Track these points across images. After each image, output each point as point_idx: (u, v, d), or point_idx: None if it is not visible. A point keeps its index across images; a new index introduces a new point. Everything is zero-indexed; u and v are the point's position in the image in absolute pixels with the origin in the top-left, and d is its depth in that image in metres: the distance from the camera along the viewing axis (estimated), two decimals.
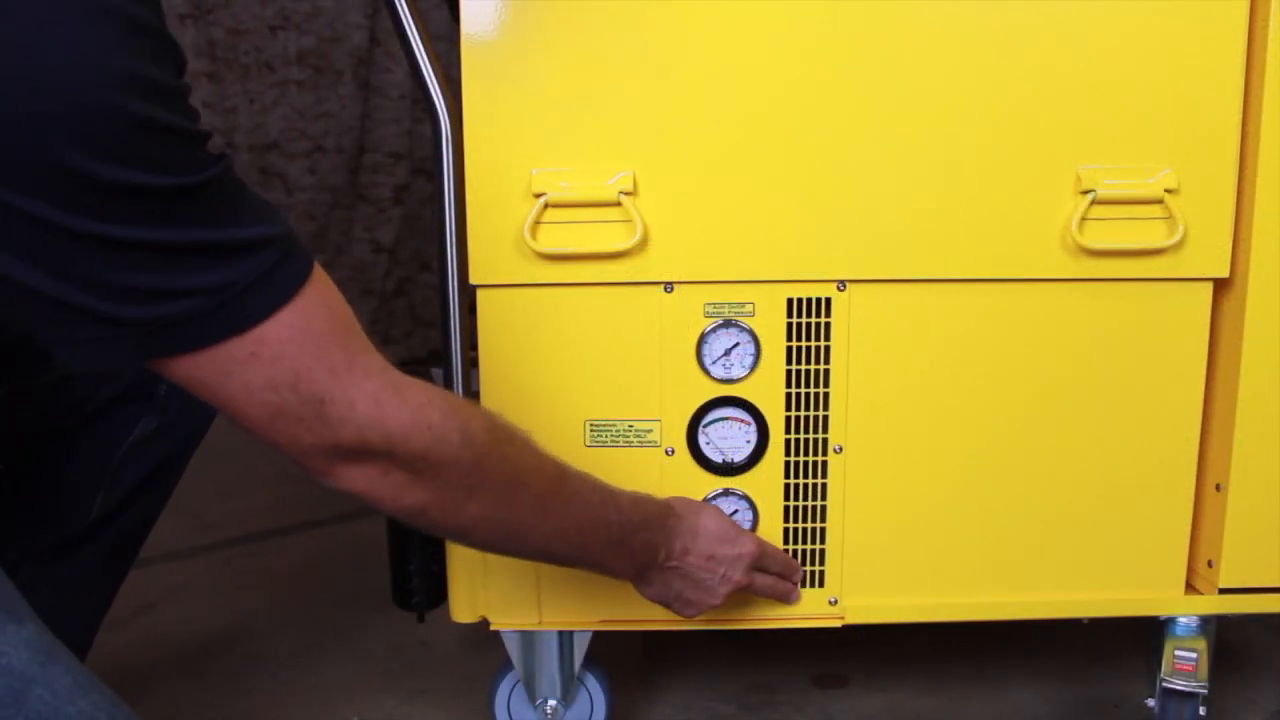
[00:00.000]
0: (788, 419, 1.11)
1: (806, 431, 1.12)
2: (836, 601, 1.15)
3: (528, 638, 1.17)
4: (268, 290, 0.74)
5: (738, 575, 1.06)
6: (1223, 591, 1.14)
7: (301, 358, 0.76)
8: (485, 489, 0.86)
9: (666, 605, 1.07)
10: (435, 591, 1.18)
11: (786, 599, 1.13)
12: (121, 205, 0.68)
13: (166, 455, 1.22)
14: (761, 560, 1.09)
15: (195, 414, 1.23)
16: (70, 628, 1.17)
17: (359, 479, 0.81)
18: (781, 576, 1.12)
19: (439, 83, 1.05)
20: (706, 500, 1.12)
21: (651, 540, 1.01)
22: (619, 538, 0.98)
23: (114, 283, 0.69)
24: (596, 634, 1.17)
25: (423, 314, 3.29)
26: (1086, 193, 1.06)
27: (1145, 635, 1.21)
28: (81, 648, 1.19)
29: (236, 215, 0.74)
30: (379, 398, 0.78)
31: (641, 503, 1.01)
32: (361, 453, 0.79)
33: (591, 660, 1.19)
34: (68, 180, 0.66)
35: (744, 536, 1.07)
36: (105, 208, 0.67)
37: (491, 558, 1.12)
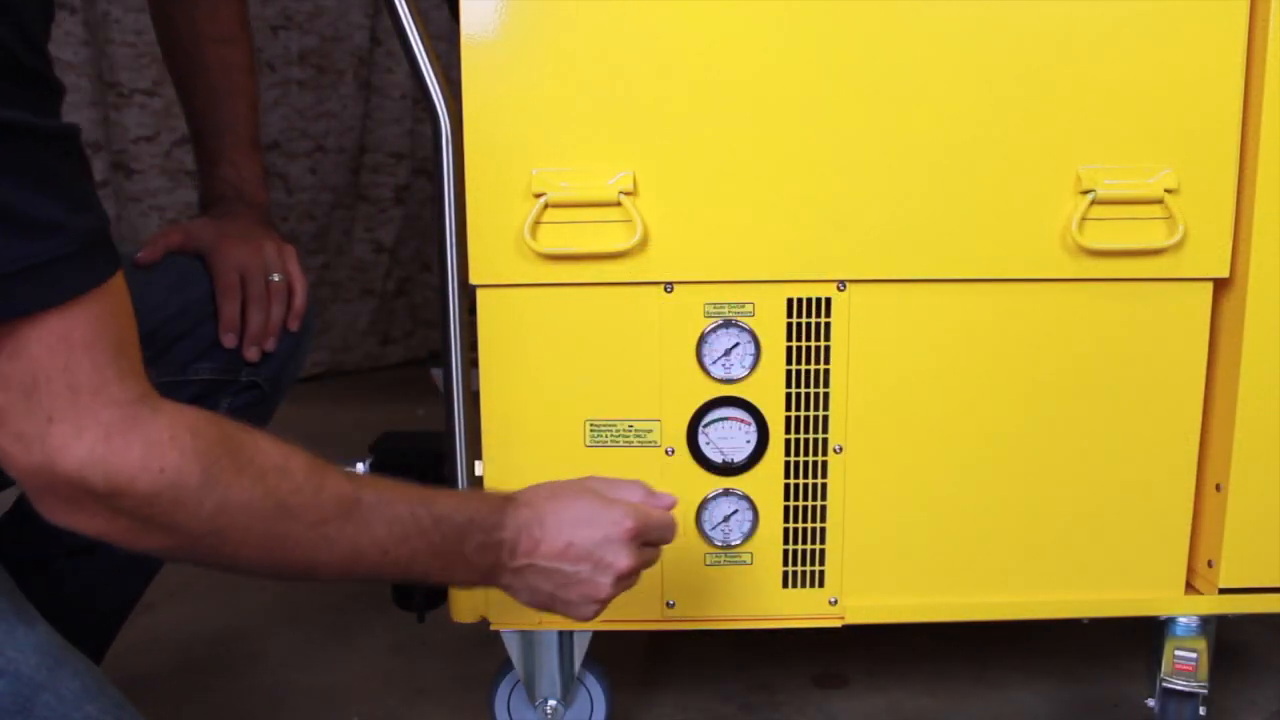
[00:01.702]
0: (788, 419, 1.11)
1: (806, 431, 1.12)
2: (836, 601, 1.15)
3: (528, 638, 1.17)
4: (39, 284, 0.67)
5: (620, 561, 0.90)
6: (1223, 591, 1.13)
7: (46, 364, 0.68)
8: (237, 530, 0.76)
9: (550, 610, 0.93)
10: (435, 592, 1.18)
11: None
12: None
13: None
14: (647, 532, 0.93)
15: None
16: (95, 619, 1.18)
17: (82, 521, 0.73)
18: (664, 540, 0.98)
19: (439, 83, 1.05)
20: (706, 500, 1.12)
21: (488, 540, 0.88)
22: (440, 546, 0.85)
23: None
24: (596, 634, 1.17)
25: (423, 314, 3.28)
26: (1086, 193, 1.06)
27: (1145, 635, 1.21)
28: (105, 639, 1.20)
29: (44, 186, 0.67)
30: (111, 431, 0.70)
31: (470, 501, 0.90)
32: (80, 490, 0.70)
33: (591, 660, 1.19)
34: None
35: (613, 512, 0.91)
36: None
37: None
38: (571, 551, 0.89)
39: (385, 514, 0.83)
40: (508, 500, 0.91)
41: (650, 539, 0.94)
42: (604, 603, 0.92)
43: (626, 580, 0.93)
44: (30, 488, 0.72)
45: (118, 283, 0.72)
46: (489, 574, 0.90)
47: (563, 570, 0.90)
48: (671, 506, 0.96)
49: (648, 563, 0.95)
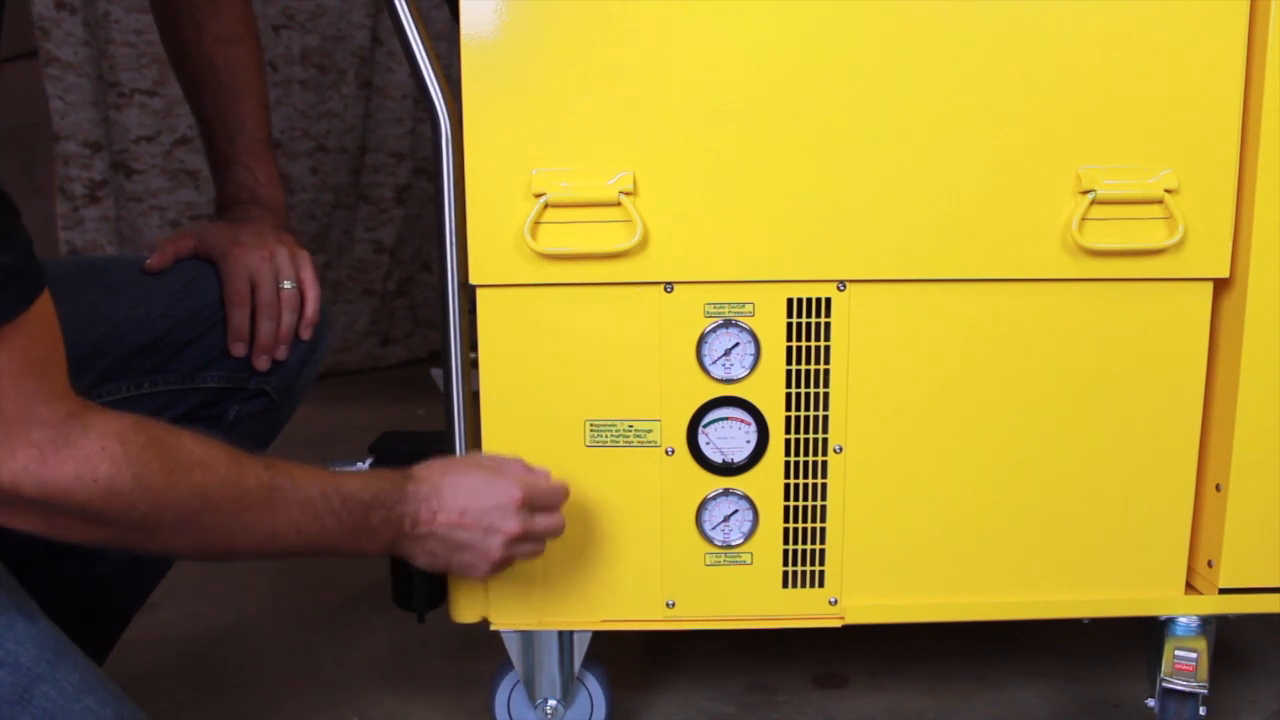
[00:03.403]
0: (788, 419, 1.11)
1: (806, 431, 1.12)
2: (836, 601, 1.15)
3: (528, 638, 1.17)
4: None
5: (509, 525, 1.00)
6: (1223, 591, 1.13)
7: None
8: (167, 525, 0.83)
9: (446, 570, 1.04)
10: (435, 592, 1.18)
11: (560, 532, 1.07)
12: None
13: None
14: (534, 500, 1.02)
15: (256, 437, 1.22)
16: (98, 619, 1.18)
17: (16, 521, 0.78)
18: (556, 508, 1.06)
19: (439, 83, 1.05)
20: (706, 500, 1.12)
21: (390, 515, 0.96)
22: (348, 523, 0.93)
23: None
24: (596, 634, 1.17)
25: (423, 314, 3.29)
26: (1086, 193, 1.06)
27: (1145, 635, 1.21)
28: (108, 640, 1.20)
29: None
30: (45, 450, 0.75)
31: (372, 480, 0.98)
32: (15, 498, 0.76)
33: (591, 660, 1.19)
34: None
35: (502, 482, 1.00)
36: None
37: None
38: (466, 519, 0.99)
39: (299, 497, 0.90)
40: (406, 477, 0.99)
41: (539, 504, 1.03)
42: (496, 564, 1.02)
43: (518, 545, 1.02)
44: None
45: (40, 307, 0.76)
46: (391, 544, 0.99)
47: (457, 536, 0.99)
48: (548, 476, 1.06)
49: (548, 530, 1.04)
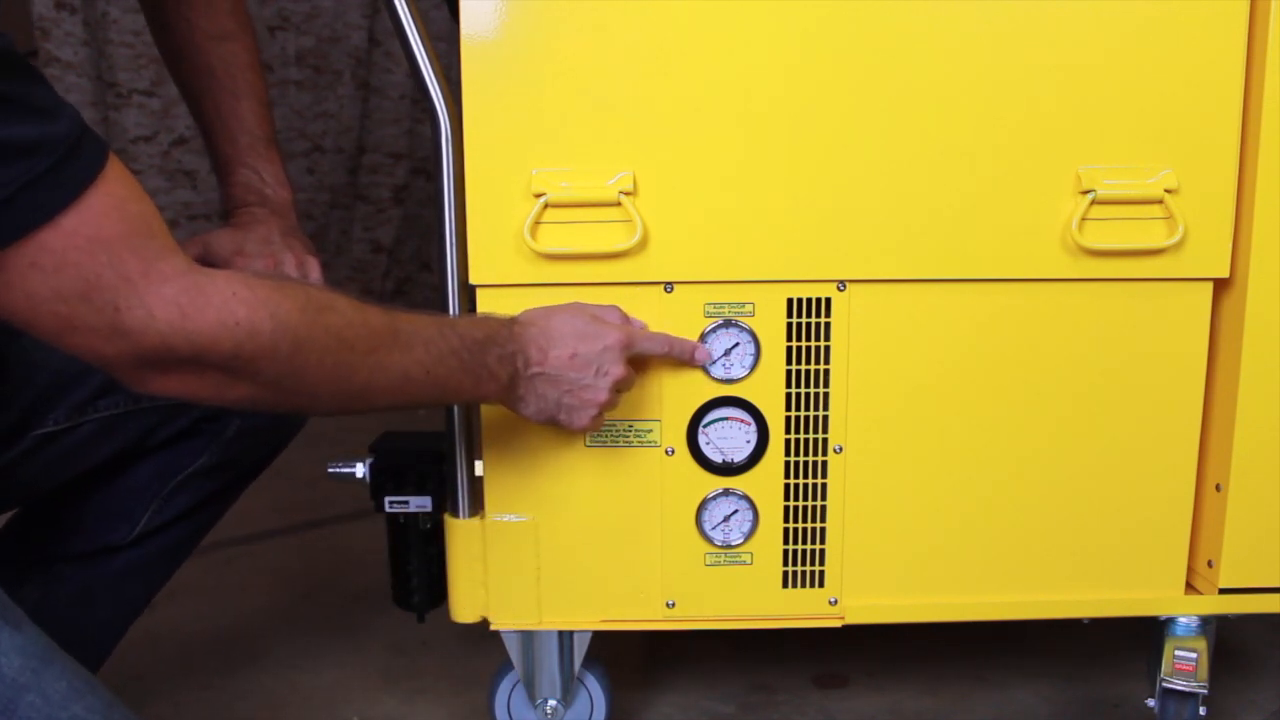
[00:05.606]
0: (788, 419, 1.11)
1: (806, 431, 1.12)
2: (836, 601, 1.15)
3: (528, 638, 1.17)
4: (39, 197, 0.69)
5: (614, 369, 1.02)
6: (1223, 591, 1.14)
7: (90, 265, 0.72)
8: (311, 366, 0.83)
9: (555, 422, 1.04)
10: (435, 591, 1.19)
11: (690, 359, 1.09)
12: None
13: (223, 486, 1.21)
14: (634, 347, 1.04)
15: (259, 452, 1.22)
16: (93, 627, 1.17)
17: (173, 385, 0.79)
18: (670, 354, 1.08)
19: (439, 83, 1.05)
20: (706, 500, 1.12)
21: (504, 352, 0.97)
22: (469, 362, 0.94)
23: None
24: (596, 634, 1.17)
25: None
26: (1086, 193, 1.06)
27: (1145, 635, 1.21)
28: (102, 650, 1.19)
29: (7, 107, 0.68)
30: (179, 302, 0.75)
31: (482, 321, 0.99)
32: (169, 360, 0.76)
33: (591, 660, 1.19)
34: None
35: (606, 328, 1.02)
36: None
37: (491, 558, 1.12)
38: (576, 361, 1.00)
39: (421, 336, 0.91)
40: (512, 320, 1.01)
41: (642, 351, 1.05)
42: (601, 408, 1.03)
43: (620, 386, 1.04)
44: (125, 377, 0.77)
45: (115, 167, 0.75)
46: (509, 385, 0.99)
47: (569, 377, 1.01)
48: (644, 326, 1.08)
49: (630, 380, 1.06)
